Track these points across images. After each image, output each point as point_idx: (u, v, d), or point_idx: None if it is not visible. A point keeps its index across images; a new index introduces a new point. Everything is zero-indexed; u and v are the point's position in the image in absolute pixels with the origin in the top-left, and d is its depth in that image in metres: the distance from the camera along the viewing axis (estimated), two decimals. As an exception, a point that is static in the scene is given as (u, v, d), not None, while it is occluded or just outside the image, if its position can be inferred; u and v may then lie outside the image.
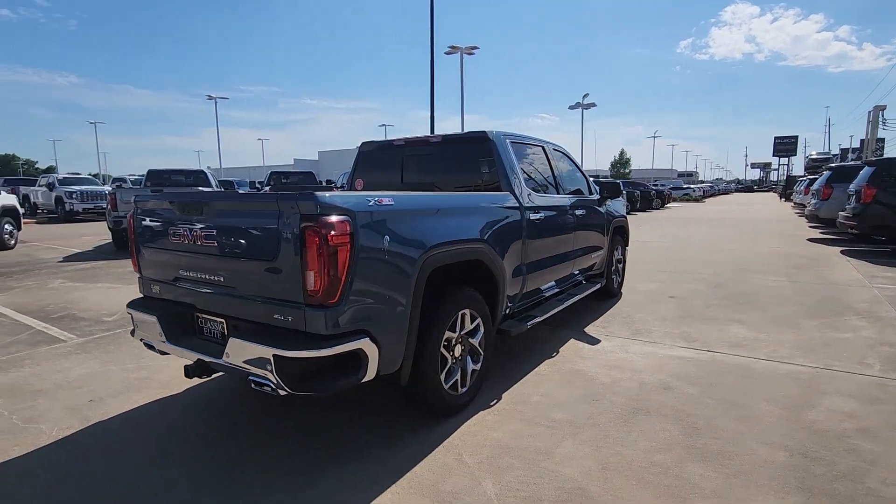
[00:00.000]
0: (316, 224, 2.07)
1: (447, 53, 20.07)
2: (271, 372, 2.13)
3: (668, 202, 29.80)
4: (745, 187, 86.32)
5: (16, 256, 9.76)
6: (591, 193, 5.14)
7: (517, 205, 3.53)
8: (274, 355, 2.11)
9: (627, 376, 3.46)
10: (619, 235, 5.92)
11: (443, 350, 2.77)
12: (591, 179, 5.29)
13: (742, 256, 8.95)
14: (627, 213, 21.61)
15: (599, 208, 5.16)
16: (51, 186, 19.57)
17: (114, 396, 3.28)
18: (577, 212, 4.53)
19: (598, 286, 5.13)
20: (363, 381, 2.30)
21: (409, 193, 2.86)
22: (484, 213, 3.17)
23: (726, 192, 65.86)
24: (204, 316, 2.64)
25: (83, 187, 19.19)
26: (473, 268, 3.11)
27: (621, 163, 79.00)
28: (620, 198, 6.09)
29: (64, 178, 21.12)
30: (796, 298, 5.67)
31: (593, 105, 30.42)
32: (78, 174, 25.99)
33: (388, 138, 4.22)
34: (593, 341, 4.26)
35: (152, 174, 13.02)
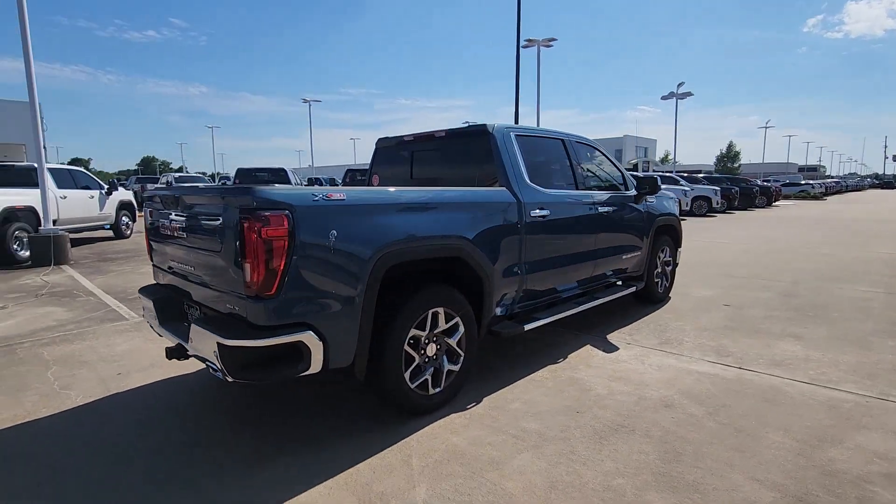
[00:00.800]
0: (252, 218, 2.14)
1: (524, 47, 19.64)
2: (217, 359, 2.24)
3: (777, 200, 26.70)
4: (884, 183, 74.50)
5: (128, 244, 11.20)
6: (626, 190, 4.76)
7: (514, 201, 3.37)
8: (217, 343, 2.21)
9: (628, 389, 3.17)
10: (667, 235, 5.43)
11: (408, 348, 2.72)
12: (630, 175, 4.90)
13: (839, 262, 7.78)
14: (723, 211, 19.82)
15: (636, 206, 4.76)
16: (168, 184, 22.27)
17: (139, 371, 3.64)
18: (603, 209, 4.22)
19: (634, 289, 4.74)
20: (307, 373, 2.34)
21: (367, 188, 2.84)
22: (466, 208, 3.05)
23: (858, 189, 57.59)
24: (189, 303, 2.85)
25: (192, 185, 21.57)
26: (453, 265, 3.02)
27: (728, 156, 72.32)
28: (669, 195, 5.58)
29: (179, 176, 23.92)
30: (884, 314, 4.82)
31: (689, 94, 28.00)
32: (196, 173, 29.27)
33: (401, 134, 4.22)
34: (611, 349, 3.95)
35: (240, 172, 14.26)
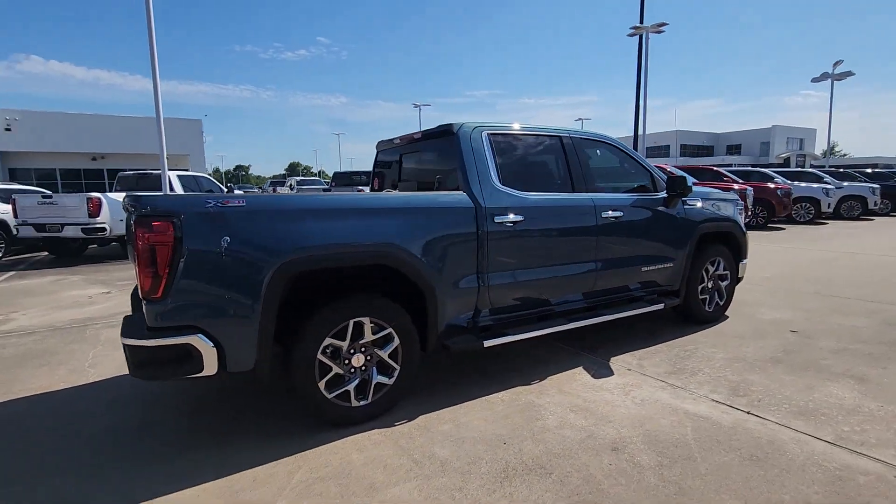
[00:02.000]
0: (140, 224, 2.26)
1: (629, 35, 18.02)
2: (126, 356, 2.41)
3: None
4: None
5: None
6: (654, 192, 4.14)
7: (470, 206, 3.11)
8: (122, 341, 2.38)
9: (583, 424, 2.75)
10: (721, 244, 4.61)
11: (323, 357, 2.66)
12: (660, 174, 4.24)
13: None
14: (886, 214, 16.36)
15: (667, 210, 4.12)
16: (291, 186, 24.79)
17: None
18: (610, 214, 3.72)
19: (662, 305, 4.10)
20: (202, 375, 2.40)
21: (276, 194, 2.80)
22: (400, 214, 2.89)
23: None
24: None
25: (310, 186, 23.77)
26: (388, 274, 2.89)
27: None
28: (725, 197, 4.73)
29: (301, 179, 26.55)
30: None
31: (848, 74, 23.36)
32: (315, 177, 32.27)
33: (395, 136, 4.14)
34: (603, 373, 3.47)
35: (337, 176, 15.32)
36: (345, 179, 15.37)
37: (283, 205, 2.59)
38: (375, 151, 4.48)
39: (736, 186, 11.73)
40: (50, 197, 9.39)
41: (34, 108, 29.03)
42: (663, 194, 4.13)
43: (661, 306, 4.12)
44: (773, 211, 13.08)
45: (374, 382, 2.84)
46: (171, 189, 11.55)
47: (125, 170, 13.43)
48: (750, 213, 11.83)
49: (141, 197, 2.30)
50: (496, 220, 3.19)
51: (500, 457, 2.44)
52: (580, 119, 50.13)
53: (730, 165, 42.97)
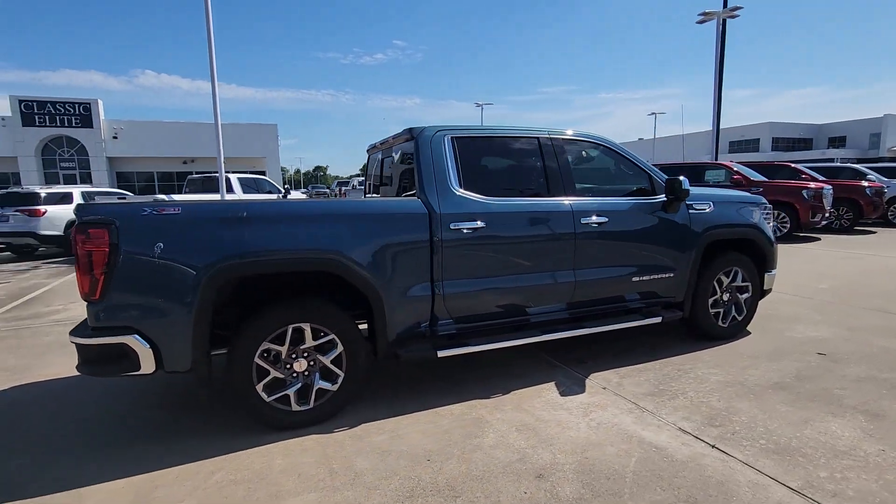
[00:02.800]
0: (79, 231, 2.43)
1: (699, 22, 16.58)
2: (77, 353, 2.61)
3: None
4: None
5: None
6: (654, 195, 3.80)
7: (423, 212, 3.03)
8: (69, 339, 2.57)
9: (522, 445, 2.58)
10: (739, 252, 4.15)
11: (260, 361, 2.72)
12: (660, 177, 3.88)
13: None
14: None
15: (666, 215, 3.76)
16: (353, 187, 25.65)
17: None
18: (591, 220, 3.46)
19: (659, 319, 3.77)
20: (141, 373, 2.54)
21: (218, 200, 2.86)
22: (344, 221, 2.87)
23: None
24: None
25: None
26: (335, 281, 2.89)
27: None
28: (743, 199, 4.24)
29: (342, 180, 27.45)
30: None
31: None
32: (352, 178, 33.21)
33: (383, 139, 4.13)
34: (571, 391, 3.24)
35: None
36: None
37: (220, 212, 2.66)
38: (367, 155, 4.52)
39: (813, 185, 10.51)
40: (124, 198, 10.43)
41: (149, 118, 32.16)
42: (661, 198, 3.78)
43: (658, 320, 3.78)
44: (860, 212, 11.58)
45: (315, 388, 2.86)
46: (231, 191, 12.36)
47: (210, 172, 14.34)
48: (829, 214, 10.55)
49: (82, 206, 2.48)
50: (452, 227, 3.08)
51: (415, 474, 2.36)
52: (653, 113, 47.18)
53: (831, 160, 38.55)
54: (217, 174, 12.56)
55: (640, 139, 61.84)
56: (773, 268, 4.33)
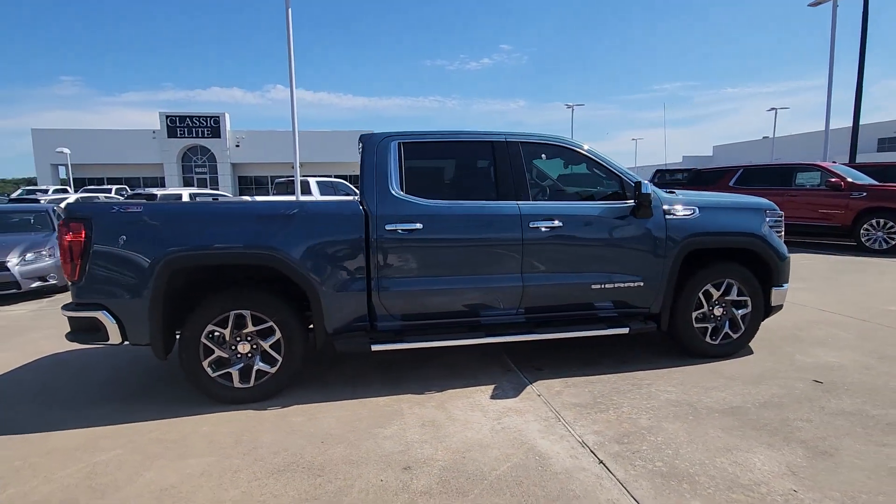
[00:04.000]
0: (63, 225, 3.00)
1: (811, 5, 14.37)
2: (70, 323, 3.21)
3: None
4: None
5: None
6: (626, 199, 3.62)
7: (359, 213, 3.23)
8: (61, 312, 3.18)
9: (412, 439, 2.67)
10: (738, 264, 3.77)
11: (206, 341, 3.12)
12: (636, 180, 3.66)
13: None
14: None
15: (635, 220, 3.56)
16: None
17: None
18: (541, 224, 3.41)
19: (626, 330, 3.58)
20: (109, 343, 3.06)
21: (175, 202, 3.27)
22: (290, 221, 3.16)
23: None
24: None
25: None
26: (275, 274, 3.20)
27: None
28: (741, 203, 3.83)
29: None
30: None
31: None
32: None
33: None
34: (505, 395, 3.23)
35: None
36: None
37: (173, 211, 3.12)
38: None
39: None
40: (216, 199, 11.93)
41: (278, 129, 36.16)
42: (629, 203, 3.58)
43: (625, 330, 3.59)
44: None
45: (256, 369, 3.20)
46: (310, 193, 13.47)
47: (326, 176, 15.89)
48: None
49: (69, 204, 3.06)
50: (387, 228, 3.24)
51: (302, 453, 2.57)
52: (773, 109, 41.89)
53: None
54: (318, 178, 13.79)
55: (763, 137, 55.36)
56: (783, 282, 3.85)
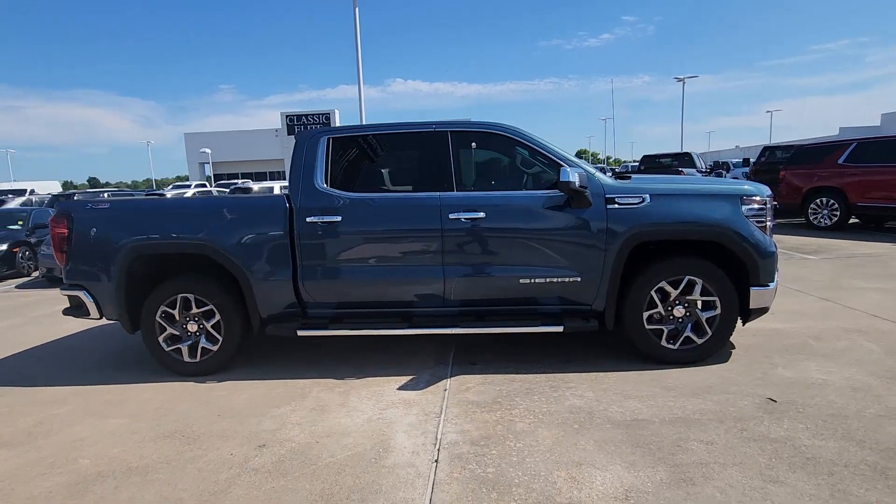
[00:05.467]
0: (53, 219, 3.64)
1: None
2: (71, 301, 3.90)
3: None
4: None
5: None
6: (555, 189, 3.36)
7: (283, 207, 3.44)
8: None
9: (293, 420, 2.84)
10: (704, 259, 3.30)
11: (160, 320, 3.58)
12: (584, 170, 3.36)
13: None
14: None
15: (571, 210, 3.29)
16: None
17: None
18: (462, 215, 3.33)
19: (561, 329, 3.36)
20: (92, 318, 3.67)
21: (136, 198, 3.70)
22: (217, 214, 3.48)
23: None
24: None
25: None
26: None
27: None
28: (718, 188, 3.31)
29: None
30: None
31: None
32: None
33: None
34: (411, 387, 3.24)
35: (645, 159, 15.08)
36: (653, 163, 14.64)
37: (131, 207, 3.61)
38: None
39: None
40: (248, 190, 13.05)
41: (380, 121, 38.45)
42: (557, 193, 3.30)
43: (559, 329, 3.37)
44: None
45: (201, 346, 3.60)
46: None
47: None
48: None
49: (60, 202, 3.69)
50: (308, 220, 3.41)
51: (194, 422, 2.88)
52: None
53: None
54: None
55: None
56: (766, 282, 3.28)
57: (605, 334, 3.67)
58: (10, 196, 19.50)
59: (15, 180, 41.64)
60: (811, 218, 9.73)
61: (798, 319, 4.24)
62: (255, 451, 2.53)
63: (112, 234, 3.54)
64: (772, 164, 12.94)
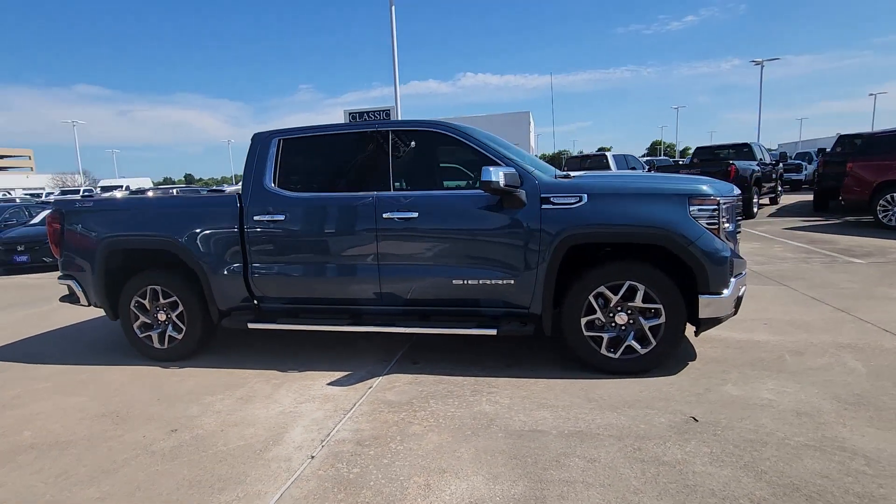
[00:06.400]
0: (49, 216, 4.07)
1: None
2: (76, 289, 4.36)
3: None
4: None
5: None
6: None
7: (234, 206, 3.62)
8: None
9: (216, 408, 3.01)
10: (648, 263, 3.08)
11: (134, 308, 3.91)
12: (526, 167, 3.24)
13: None
14: None
15: (503, 210, 3.19)
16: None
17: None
18: (395, 214, 3.33)
19: (492, 331, 3.27)
20: (82, 305, 4.09)
21: (112, 198, 4.01)
22: (180, 213, 3.73)
23: None
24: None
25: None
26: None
27: None
28: (663, 186, 3.06)
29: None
30: None
31: None
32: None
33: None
34: (343, 383, 3.30)
35: (699, 151, 14.35)
36: (708, 154, 13.27)
37: (109, 205, 3.96)
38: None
39: None
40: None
41: (466, 115, 38.84)
42: (483, 193, 3.18)
43: (492, 332, 3.28)
44: None
45: (168, 334, 3.89)
46: (609, 167, 13.24)
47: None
48: None
49: (57, 200, 4.13)
50: (255, 219, 3.57)
51: (134, 404, 3.13)
52: None
53: None
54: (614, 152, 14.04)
55: None
56: (718, 290, 2.99)
57: (551, 340, 3.53)
58: (110, 190, 22.13)
59: (121, 177, 46.92)
60: (880, 216, 8.65)
61: (791, 331, 3.82)
62: (164, 436, 2.72)
63: (93, 230, 3.90)
64: (847, 155, 11.56)
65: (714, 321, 3.08)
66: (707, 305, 3.01)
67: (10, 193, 33.83)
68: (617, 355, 3.17)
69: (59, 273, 4.19)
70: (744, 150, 12.89)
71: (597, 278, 3.13)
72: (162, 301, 3.88)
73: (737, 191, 3.40)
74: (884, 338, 3.57)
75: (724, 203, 3.07)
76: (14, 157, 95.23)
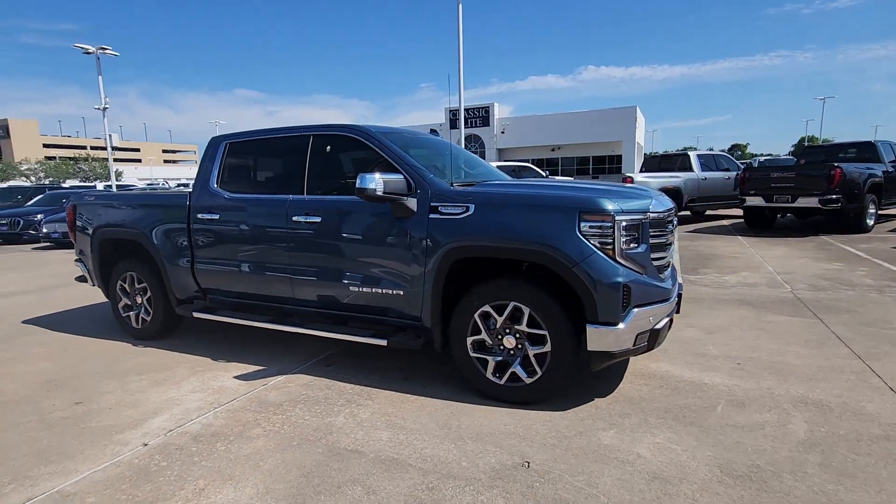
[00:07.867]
0: (70, 208, 4.79)
1: None
2: (95, 270, 5.08)
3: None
4: None
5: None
6: (410, 194, 3.13)
7: (185, 204, 3.94)
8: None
9: (131, 388, 3.33)
10: (546, 287, 2.77)
11: (118, 292, 4.46)
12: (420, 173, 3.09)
13: None
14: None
15: (394, 219, 3.07)
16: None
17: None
18: (301, 218, 3.39)
19: (382, 342, 3.16)
20: (91, 285, 4.76)
21: (108, 192, 4.51)
22: (147, 208, 4.15)
23: None
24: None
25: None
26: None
27: None
28: (553, 197, 2.72)
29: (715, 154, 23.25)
30: None
31: None
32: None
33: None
34: (250, 377, 3.43)
35: (807, 151, 12.83)
36: (819, 154, 11.69)
37: (103, 199, 4.53)
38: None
39: None
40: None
41: (587, 109, 37.85)
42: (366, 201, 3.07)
43: (383, 343, 3.19)
44: None
45: (140, 316, 4.38)
46: (690, 168, 12.33)
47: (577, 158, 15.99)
48: None
49: (75, 194, 4.84)
50: (198, 216, 3.86)
51: (83, 378, 3.58)
52: None
53: None
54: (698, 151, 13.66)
55: None
56: (609, 320, 2.58)
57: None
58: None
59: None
60: None
61: (762, 376, 3.17)
62: (66, 406, 3.08)
63: (91, 221, 4.52)
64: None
65: (606, 356, 2.67)
66: (596, 337, 2.62)
67: (167, 183, 40.02)
68: (502, 381, 2.89)
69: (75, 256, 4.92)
70: (866, 148, 10.76)
71: (482, 296, 2.88)
72: (136, 286, 4.37)
73: (667, 205, 2.90)
74: (875, 398, 2.80)
75: (627, 220, 2.63)
76: (182, 151, 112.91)
